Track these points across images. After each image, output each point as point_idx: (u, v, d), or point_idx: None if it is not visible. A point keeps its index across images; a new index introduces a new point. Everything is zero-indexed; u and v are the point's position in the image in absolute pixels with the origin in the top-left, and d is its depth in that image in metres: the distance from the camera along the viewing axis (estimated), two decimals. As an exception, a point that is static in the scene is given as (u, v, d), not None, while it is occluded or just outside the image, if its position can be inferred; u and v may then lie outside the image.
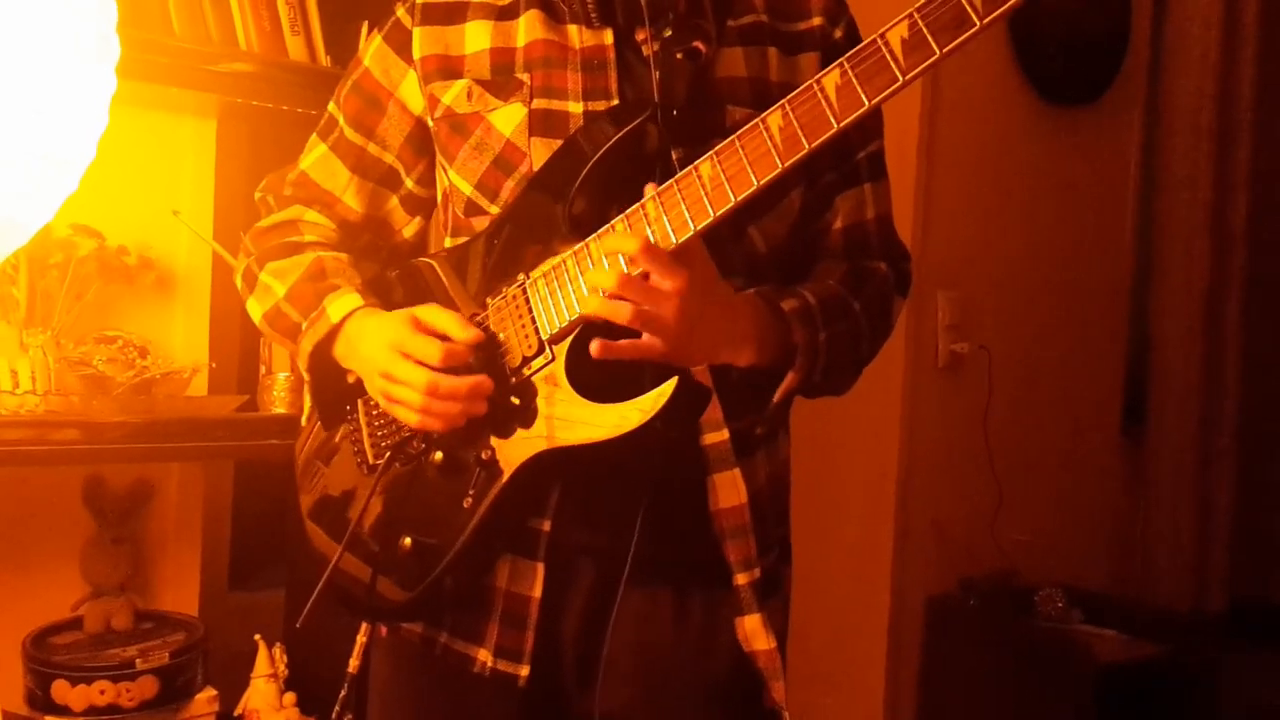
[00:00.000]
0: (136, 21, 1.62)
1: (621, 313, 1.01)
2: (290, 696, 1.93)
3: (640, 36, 1.17)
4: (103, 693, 1.70)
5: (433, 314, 1.14)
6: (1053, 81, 2.75)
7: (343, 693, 1.47)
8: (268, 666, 1.92)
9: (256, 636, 1.93)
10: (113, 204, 1.79)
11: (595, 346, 1.02)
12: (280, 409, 1.85)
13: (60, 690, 1.70)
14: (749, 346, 1.11)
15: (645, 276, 1.01)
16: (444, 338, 1.12)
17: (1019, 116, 2.73)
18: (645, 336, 1.02)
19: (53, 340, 1.68)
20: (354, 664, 1.44)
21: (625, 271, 1.02)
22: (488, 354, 1.14)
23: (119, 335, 1.78)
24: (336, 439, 1.28)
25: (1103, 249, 2.96)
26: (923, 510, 2.58)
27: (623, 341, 1.02)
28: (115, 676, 1.71)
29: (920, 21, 0.92)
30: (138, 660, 1.74)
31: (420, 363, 1.10)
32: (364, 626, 1.39)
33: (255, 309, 1.29)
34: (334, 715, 1.45)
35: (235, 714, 1.90)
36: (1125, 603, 2.74)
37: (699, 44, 1.16)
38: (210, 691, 1.84)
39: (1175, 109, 2.93)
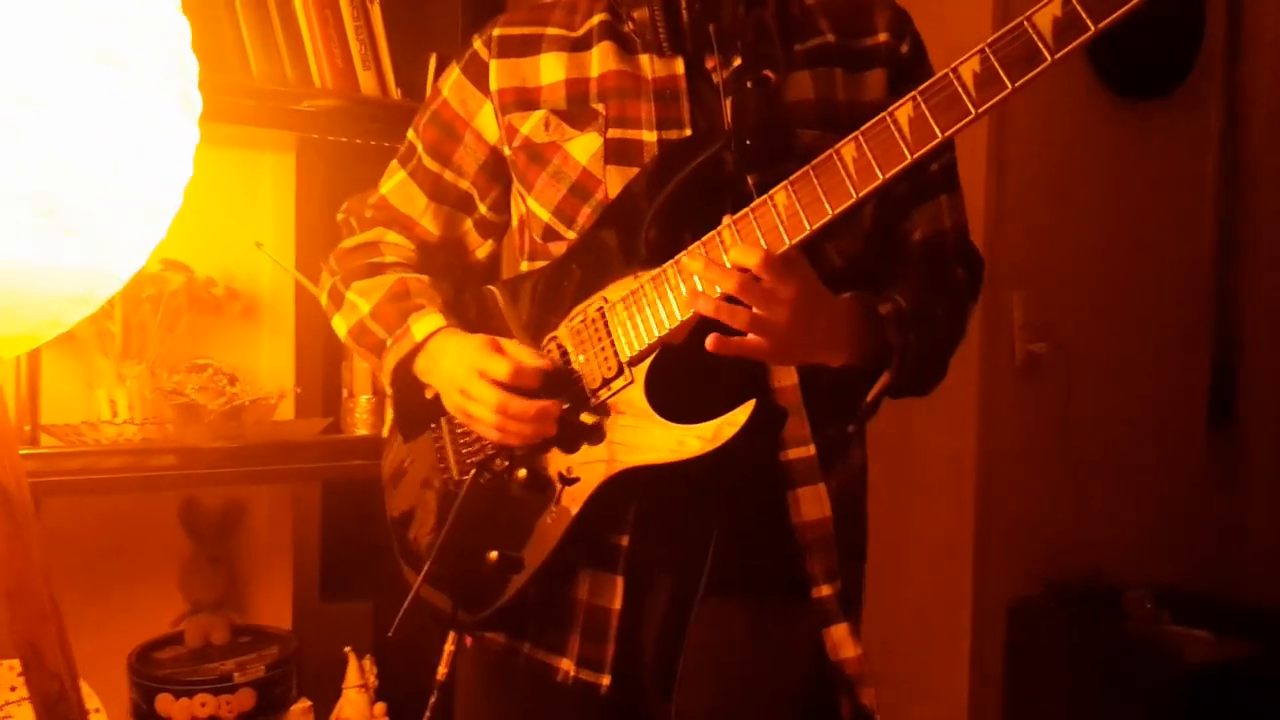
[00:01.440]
0: (218, 65, 1.69)
1: (739, 317, 1.03)
2: (380, 706, 1.97)
3: (710, 64, 1.20)
4: (204, 705, 1.76)
5: (508, 342, 1.19)
6: (1125, 75, 2.69)
7: (432, 699, 1.50)
8: (358, 677, 1.97)
9: (347, 649, 1.98)
10: (200, 238, 1.85)
11: (711, 340, 1.04)
12: (363, 430, 1.90)
13: (164, 703, 1.76)
14: (845, 348, 1.13)
15: (758, 282, 1.03)
16: (517, 362, 1.16)
17: (1091, 112, 2.68)
18: (752, 337, 1.04)
19: (148, 371, 1.75)
20: (442, 671, 1.47)
21: (741, 274, 1.03)
22: (567, 376, 1.18)
23: (209, 364, 1.84)
24: (422, 454, 1.32)
25: (1182, 243, 2.89)
26: (1003, 512, 2.55)
27: (734, 339, 1.04)
28: (215, 689, 1.77)
29: (992, 56, 0.93)
30: (236, 674, 1.80)
31: (494, 382, 1.15)
32: (451, 635, 1.44)
33: (341, 325, 1.35)
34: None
35: (328, 723, 1.97)
36: (1217, 602, 2.67)
37: (768, 72, 1.18)
38: (305, 703, 1.89)
39: (1255, 98, 2.85)
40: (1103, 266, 2.71)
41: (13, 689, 1.61)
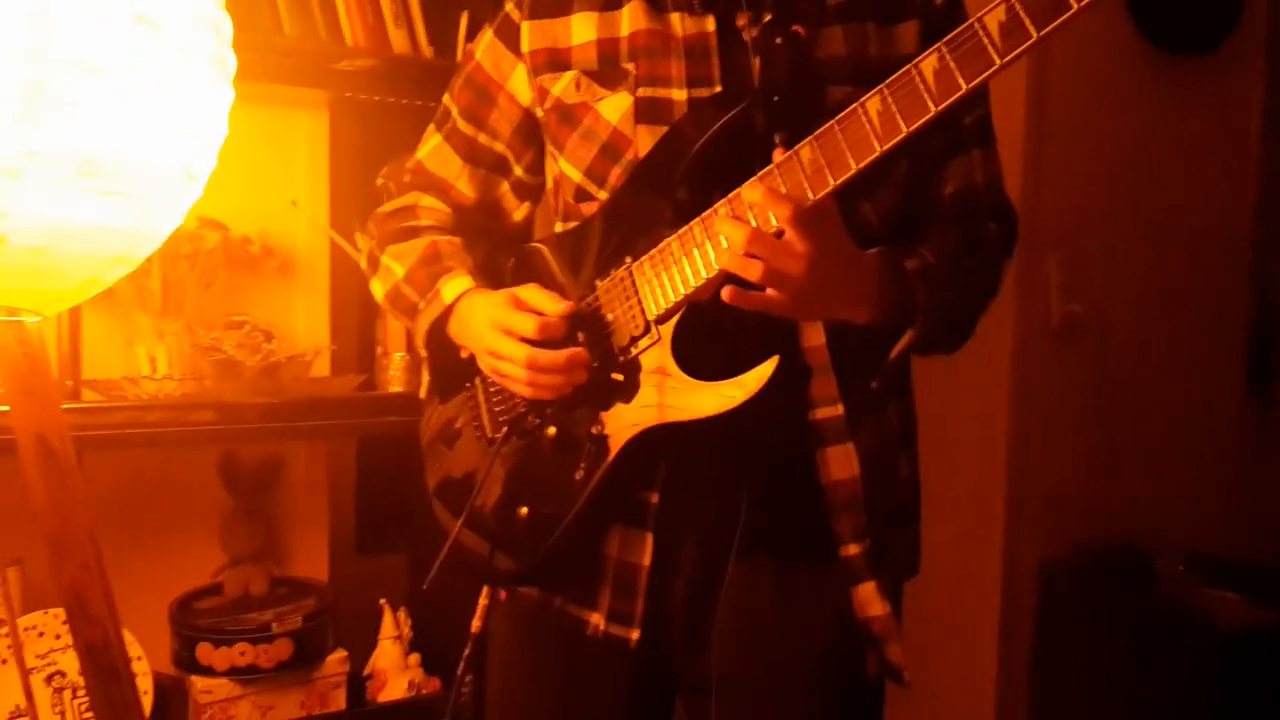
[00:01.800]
0: (251, 25, 1.70)
1: (753, 269, 1.03)
2: (415, 657, 2.01)
3: (741, 22, 1.18)
4: (243, 654, 1.81)
5: (529, 292, 1.20)
6: (1167, 29, 2.63)
7: (466, 651, 1.53)
8: (393, 629, 2.01)
9: (382, 600, 2.02)
10: (235, 197, 1.86)
11: (727, 292, 1.04)
12: (396, 387, 1.92)
13: (204, 652, 1.81)
14: (870, 304, 1.12)
15: (778, 235, 1.03)
16: (540, 314, 1.17)
17: (1131, 68, 2.63)
18: (771, 291, 1.04)
19: (186, 327, 1.77)
20: (476, 624, 1.50)
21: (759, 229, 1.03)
22: (596, 334, 1.18)
23: (246, 320, 1.86)
24: (457, 414, 1.34)
25: (1223, 204, 2.84)
26: (1036, 475, 2.54)
27: (752, 293, 1.04)
28: (254, 639, 1.81)
29: (1018, 5, 0.92)
30: (274, 624, 1.84)
31: (521, 338, 1.16)
32: (485, 589, 1.46)
33: (378, 289, 1.37)
34: (458, 672, 1.52)
35: (364, 673, 2.00)
36: (1250, 567, 2.65)
37: (798, 28, 1.17)
38: (341, 653, 1.94)
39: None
40: (1142, 227, 2.67)
41: (58, 636, 1.66)
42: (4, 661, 1.61)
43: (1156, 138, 2.68)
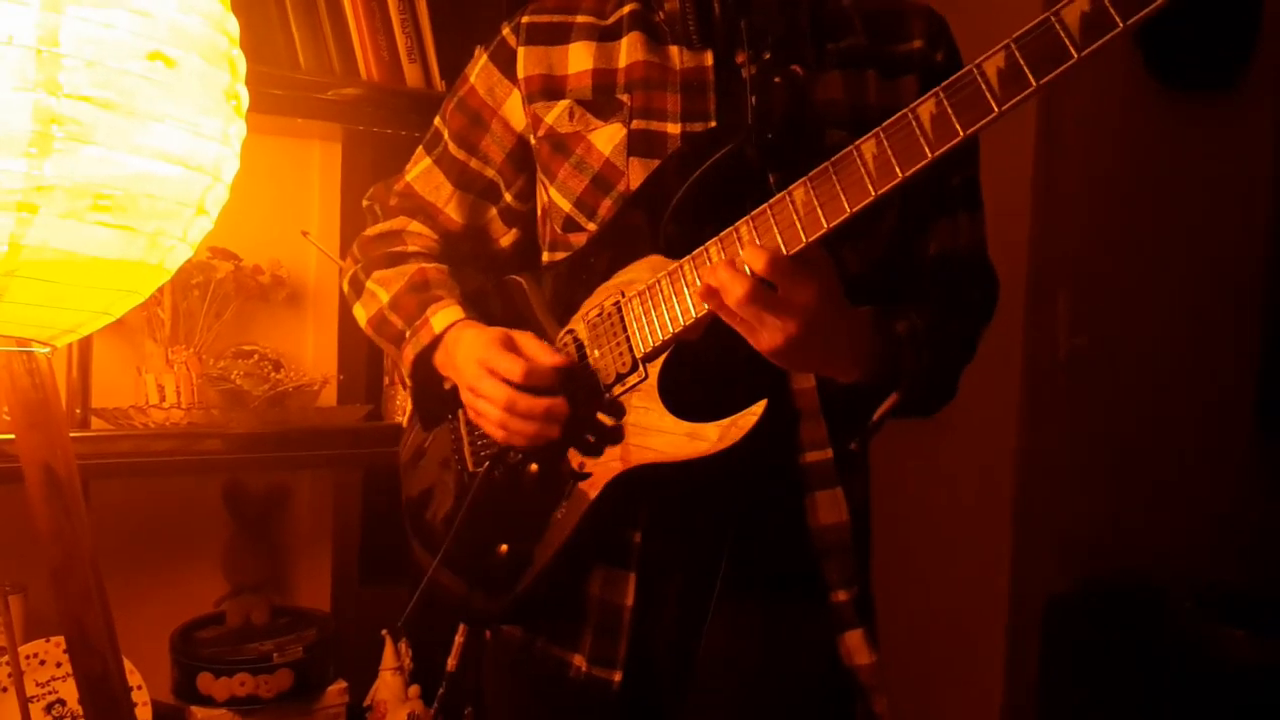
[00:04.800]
0: (266, 59, 1.72)
1: (747, 319, 1.01)
2: (415, 689, 1.99)
3: (740, 58, 1.18)
4: (243, 684, 1.79)
5: (525, 338, 1.18)
6: (1178, 68, 2.63)
7: (441, 690, 1.51)
8: (394, 660, 1.99)
9: (384, 631, 2.01)
10: (247, 227, 1.87)
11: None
12: (403, 417, 1.92)
13: (205, 681, 1.79)
14: (856, 364, 1.11)
15: (773, 286, 1.01)
16: (529, 360, 1.16)
17: (1142, 106, 2.63)
18: (763, 339, 1.02)
19: (195, 356, 1.78)
20: (452, 663, 1.48)
21: (752, 280, 1.01)
22: (580, 369, 1.17)
23: (255, 349, 1.86)
24: (438, 446, 1.33)
25: (1235, 242, 2.83)
26: (1043, 508, 2.53)
27: (749, 340, 1.03)
28: (255, 669, 1.80)
29: (1017, 52, 0.90)
30: (275, 654, 1.83)
31: (504, 380, 1.15)
32: (461, 627, 1.45)
33: (361, 314, 1.36)
34: (433, 710, 1.50)
35: (364, 704, 1.98)
36: (1261, 602, 2.63)
37: (796, 68, 1.16)
38: (341, 684, 1.92)
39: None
40: (1152, 264, 2.67)
41: (59, 665, 1.66)
42: (4, 689, 1.61)
43: (1167, 176, 2.68)
